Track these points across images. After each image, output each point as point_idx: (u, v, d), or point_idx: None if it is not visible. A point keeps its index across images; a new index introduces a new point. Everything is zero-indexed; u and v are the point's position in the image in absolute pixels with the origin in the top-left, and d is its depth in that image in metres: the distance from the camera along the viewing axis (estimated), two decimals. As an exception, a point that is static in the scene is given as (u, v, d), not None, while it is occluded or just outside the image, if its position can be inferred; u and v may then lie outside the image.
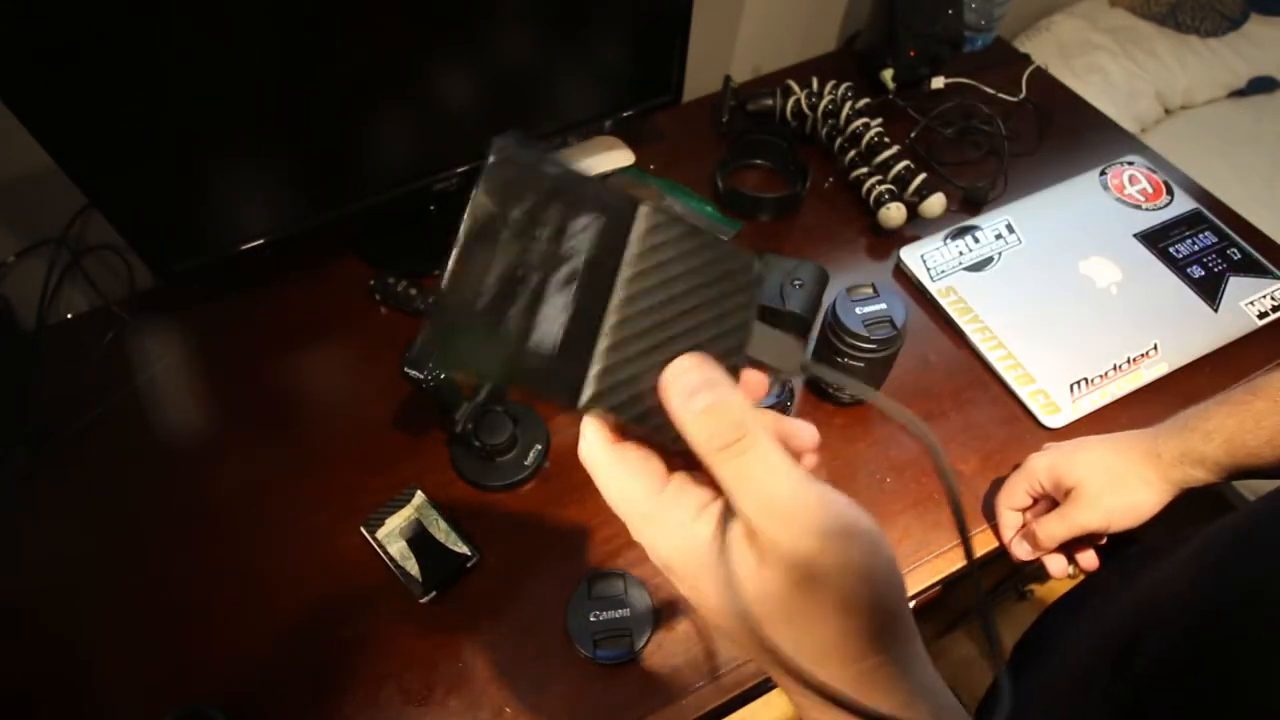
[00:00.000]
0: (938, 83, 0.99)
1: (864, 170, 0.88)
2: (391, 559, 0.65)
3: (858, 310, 0.65)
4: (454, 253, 0.24)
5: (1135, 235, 0.83)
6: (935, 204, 0.84)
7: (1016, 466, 0.65)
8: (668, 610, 0.63)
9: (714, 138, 0.98)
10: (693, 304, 0.27)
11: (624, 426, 0.27)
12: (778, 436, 0.29)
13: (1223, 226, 0.83)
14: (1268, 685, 0.35)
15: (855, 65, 1.05)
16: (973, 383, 0.76)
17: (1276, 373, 0.55)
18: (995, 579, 1.10)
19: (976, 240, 0.83)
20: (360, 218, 0.81)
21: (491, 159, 0.26)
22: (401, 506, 0.68)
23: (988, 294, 0.79)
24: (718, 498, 0.28)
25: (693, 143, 0.98)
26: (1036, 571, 0.72)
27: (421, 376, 0.62)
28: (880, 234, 0.87)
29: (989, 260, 0.82)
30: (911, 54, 0.97)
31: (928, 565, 0.65)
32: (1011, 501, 0.64)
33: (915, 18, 0.95)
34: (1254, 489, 1.04)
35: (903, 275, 0.84)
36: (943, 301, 0.79)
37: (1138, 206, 0.85)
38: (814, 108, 0.92)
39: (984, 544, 0.66)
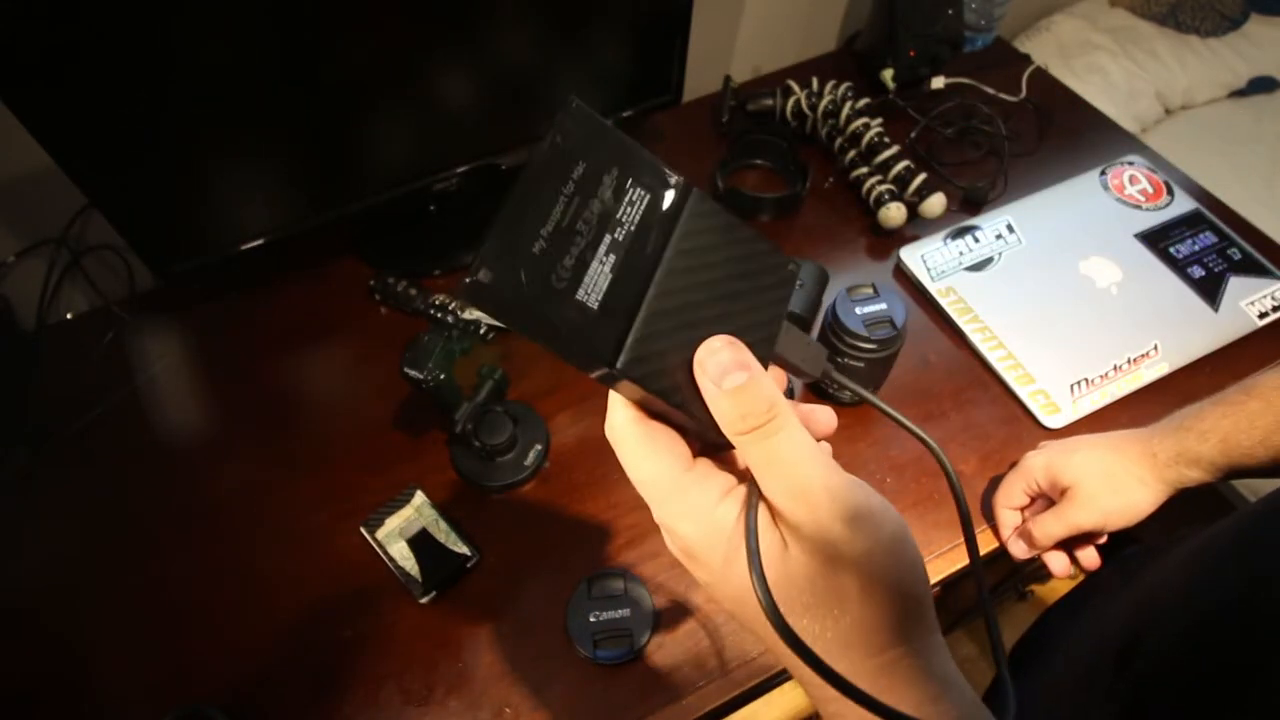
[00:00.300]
0: (938, 83, 0.99)
1: (864, 170, 0.88)
2: (391, 559, 0.65)
3: (858, 310, 0.65)
4: (513, 194, 0.24)
5: (1135, 235, 0.83)
6: (935, 204, 0.84)
7: (1014, 465, 0.65)
8: (668, 610, 0.63)
9: (714, 138, 0.98)
10: (730, 291, 0.27)
11: (649, 401, 0.27)
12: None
13: (1223, 226, 0.83)
14: (1268, 684, 0.35)
15: (855, 65, 1.05)
16: (973, 383, 0.76)
17: (1270, 372, 0.56)
18: (996, 579, 1.10)
19: (976, 240, 0.83)
20: (360, 218, 0.81)
21: (564, 112, 0.25)
22: (401, 506, 0.68)
23: (988, 294, 0.79)
24: (742, 483, 0.28)
25: (693, 143, 0.98)
26: (1037, 571, 0.72)
27: (421, 377, 0.62)
28: (880, 234, 0.87)
29: (989, 260, 0.82)
30: (911, 54, 0.97)
31: (928, 565, 0.65)
32: (1009, 500, 0.64)
33: (915, 18, 0.95)
34: (1254, 489, 1.04)
35: (903, 275, 0.84)
36: (943, 301, 0.79)
37: (1138, 206, 0.85)
38: (814, 108, 0.92)
39: (984, 544, 0.67)
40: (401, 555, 0.65)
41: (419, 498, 0.68)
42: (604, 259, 0.25)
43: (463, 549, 0.65)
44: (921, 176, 0.85)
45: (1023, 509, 0.65)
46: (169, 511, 0.71)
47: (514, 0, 0.72)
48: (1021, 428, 0.73)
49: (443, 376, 0.63)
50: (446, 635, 0.63)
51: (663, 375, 0.26)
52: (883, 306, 0.65)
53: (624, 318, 0.25)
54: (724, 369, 0.26)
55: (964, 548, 0.66)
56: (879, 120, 0.90)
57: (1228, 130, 1.29)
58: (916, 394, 0.75)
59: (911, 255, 0.83)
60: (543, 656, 0.62)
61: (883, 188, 0.85)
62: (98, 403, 0.77)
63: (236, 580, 0.67)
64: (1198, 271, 0.80)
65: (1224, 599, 0.42)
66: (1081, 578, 0.65)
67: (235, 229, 0.75)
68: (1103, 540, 0.63)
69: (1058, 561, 0.64)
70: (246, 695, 0.61)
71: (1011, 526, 0.65)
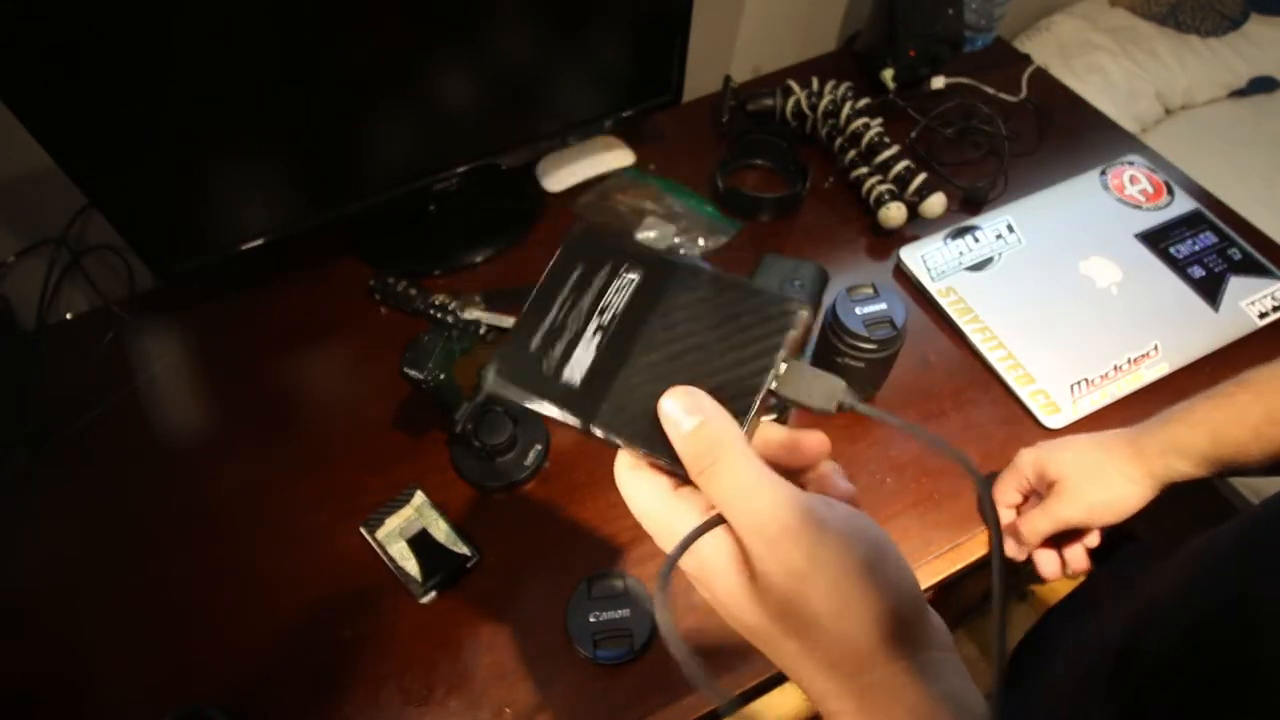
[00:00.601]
0: (938, 83, 0.99)
1: (864, 170, 0.88)
2: (391, 559, 0.65)
3: (858, 310, 0.65)
4: (525, 306, 0.32)
5: (1136, 235, 0.83)
6: (935, 204, 0.84)
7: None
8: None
9: (714, 138, 0.98)
10: (709, 344, 0.30)
11: (632, 452, 0.30)
12: (785, 447, 0.29)
13: (1223, 227, 0.83)
14: (1268, 684, 0.35)
15: (855, 65, 1.05)
16: (973, 383, 0.76)
17: (1264, 366, 0.55)
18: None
19: (977, 240, 0.83)
20: (360, 218, 0.81)
21: (567, 237, 0.33)
22: (401, 506, 0.68)
23: (988, 294, 0.79)
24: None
25: (693, 143, 0.98)
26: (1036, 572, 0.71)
27: (421, 377, 0.62)
28: (880, 234, 0.87)
29: (989, 260, 0.82)
30: (911, 54, 0.97)
31: (928, 566, 0.65)
32: (1002, 498, 0.64)
33: (915, 18, 0.95)
34: (1256, 490, 1.04)
35: (903, 275, 0.84)
36: (943, 301, 0.79)
37: (1138, 206, 0.85)
38: (814, 108, 0.92)
39: (981, 546, 0.66)
40: (401, 555, 0.65)
41: (419, 498, 0.68)
42: (589, 341, 0.31)
43: (463, 549, 0.65)
44: (921, 176, 0.85)
45: (1017, 507, 0.65)
46: (169, 511, 0.71)
47: (514, 0, 0.72)
48: (1021, 428, 0.73)
49: (443, 376, 0.63)
50: (446, 635, 0.63)
51: (637, 430, 0.29)
52: (883, 306, 0.65)
53: (602, 388, 0.30)
54: (677, 417, 0.28)
55: (963, 548, 0.66)
56: (879, 120, 0.90)
57: (1228, 130, 1.29)
58: (916, 394, 0.75)
59: (911, 255, 0.83)
60: (543, 656, 0.62)
61: (883, 188, 0.85)
62: (98, 403, 0.77)
63: (236, 580, 0.67)
64: (1198, 271, 0.80)
65: (1224, 599, 0.42)
66: (1081, 580, 0.65)
67: (235, 229, 0.75)
68: (1094, 543, 0.62)
69: (1047, 563, 0.63)
70: (246, 695, 0.61)
71: (1004, 524, 0.64)
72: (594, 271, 0.32)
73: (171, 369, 0.80)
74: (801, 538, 0.26)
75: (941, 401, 0.75)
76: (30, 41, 0.55)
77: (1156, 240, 0.82)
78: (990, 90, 1.00)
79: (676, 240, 0.86)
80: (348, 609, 0.65)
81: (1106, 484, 0.57)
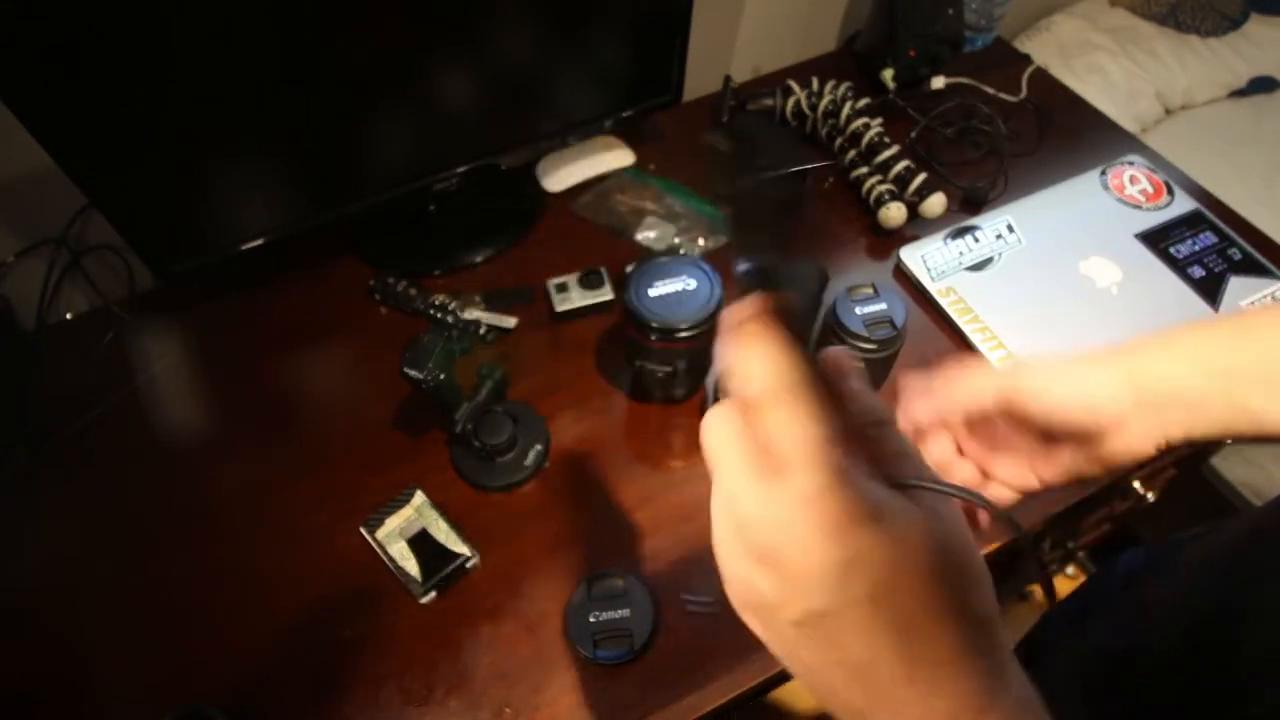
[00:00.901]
0: (938, 83, 0.99)
1: (864, 170, 0.88)
2: (391, 559, 0.65)
3: (858, 310, 0.65)
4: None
5: (1136, 235, 0.83)
6: (935, 204, 0.84)
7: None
8: (668, 610, 0.63)
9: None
10: None
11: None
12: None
13: (1223, 227, 0.83)
14: (1269, 686, 0.35)
15: (855, 65, 1.05)
16: (973, 383, 0.76)
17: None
18: (997, 579, 1.10)
19: (977, 240, 0.83)
20: (360, 218, 0.81)
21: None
22: (401, 506, 0.68)
23: (988, 294, 0.79)
24: None
25: (693, 143, 0.97)
26: (1036, 572, 0.71)
27: (421, 377, 0.62)
28: (880, 234, 0.87)
29: (989, 260, 0.82)
30: (911, 54, 0.97)
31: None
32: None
33: (915, 18, 0.95)
34: (1259, 492, 1.04)
35: (903, 275, 0.84)
36: (943, 301, 0.79)
37: (1138, 206, 0.85)
38: (814, 108, 0.92)
39: (997, 536, 0.66)
40: (401, 555, 0.65)
41: (419, 498, 0.68)
42: None
43: (462, 549, 0.65)
44: (921, 176, 0.85)
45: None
46: (169, 511, 0.71)
47: (514, 0, 0.72)
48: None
49: (443, 376, 0.63)
50: (446, 635, 0.63)
51: None
52: (883, 306, 0.65)
53: None
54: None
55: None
56: (879, 120, 0.90)
57: (1228, 130, 1.29)
58: (916, 394, 0.75)
59: (911, 255, 0.83)
60: (543, 656, 0.62)
61: (883, 188, 0.85)
62: (98, 403, 0.77)
63: (236, 580, 0.67)
64: (1198, 271, 0.80)
65: (1224, 600, 0.42)
66: (1083, 580, 0.65)
67: (235, 229, 0.75)
68: (1050, 475, 0.43)
69: (1008, 481, 0.43)
70: (246, 695, 0.61)
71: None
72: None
73: (171, 369, 0.80)
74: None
75: (941, 401, 0.74)
76: (30, 41, 0.55)
77: (1156, 240, 0.82)
78: (990, 90, 1.00)
79: (676, 240, 0.86)
80: (348, 609, 0.65)
81: (1067, 365, 0.41)
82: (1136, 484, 0.87)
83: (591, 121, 0.87)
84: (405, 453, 0.73)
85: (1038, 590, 1.28)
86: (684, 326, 0.63)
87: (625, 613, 0.61)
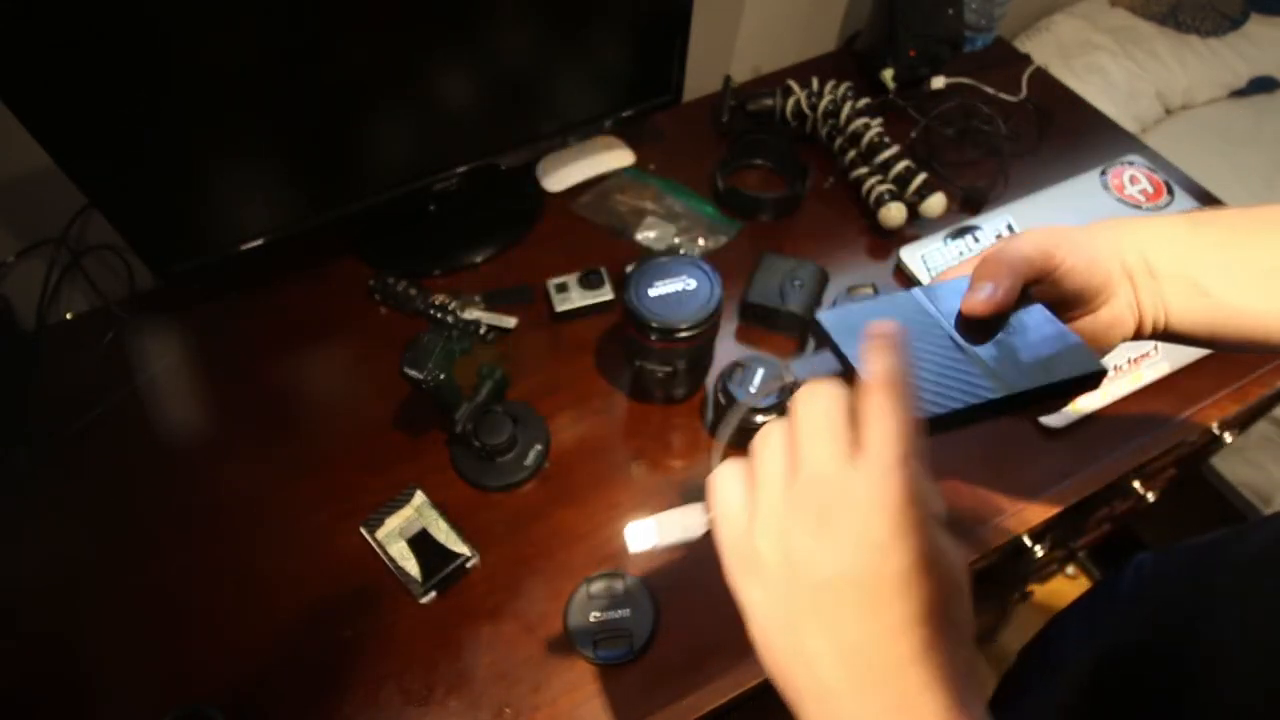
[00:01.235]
0: (938, 83, 0.99)
1: (864, 170, 0.88)
2: (391, 559, 0.65)
3: (858, 310, 0.65)
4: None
5: (1135, 235, 0.82)
6: (935, 204, 0.84)
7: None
8: (668, 610, 0.63)
9: (714, 138, 0.98)
10: None
11: None
12: None
13: (1223, 226, 0.83)
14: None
15: (855, 65, 1.05)
16: (973, 383, 0.76)
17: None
18: (996, 579, 1.10)
19: (977, 240, 0.83)
20: (360, 218, 0.81)
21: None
22: (401, 506, 0.68)
23: (988, 294, 0.79)
24: None
25: (693, 143, 0.98)
26: (1038, 571, 0.71)
27: (421, 377, 0.62)
28: (880, 234, 0.87)
29: (989, 260, 0.82)
30: (911, 54, 0.97)
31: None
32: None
33: (915, 18, 0.95)
34: (1258, 492, 1.04)
35: (903, 275, 0.84)
36: (943, 301, 0.79)
37: (1138, 206, 0.85)
38: (814, 108, 0.92)
39: (999, 536, 0.66)
40: (401, 555, 0.65)
41: (419, 498, 0.68)
42: None
43: (462, 549, 0.65)
44: (921, 176, 0.85)
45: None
46: (169, 511, 0.71)
47: (514, 0, 0.72)
48: (1021, 427, 0.73)
49: (443, 376, 0.63)
50: (446, 635, 0.63)
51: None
52: (883, 306, 0.65)
53: None
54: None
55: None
56: (879, 120, 0.90)
57: (1228, 130, 1.29)
58: (916, 394, 0.75)
59: (912, 255, 0.83)
60: (543, 656, 0.62)
61: (883, 188, 0.85)
62: (98, 403, 0.77)
63: (236, 580, 0.67)
64: (1198, 271, 0.79)
65: (1226, 601, 0.42)
66: (1084, 580, 0.65)
67: (235, 229, 0.75)
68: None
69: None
70: (246, 695, 0.61)
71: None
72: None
73: (171, 369, 0.80)
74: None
75: (941, 401, 0.74)
76: (30, 41, 0.55)
77: (1156, 240, 0.82)
78: (990, 90, 1.00)
79: (676, 240, 0.86)
80: (348, 609, 0.65)
81: (1076, 230, 0.42)
82: (1137, 484, 0.87)
83: (591, 121, 0.87)
84: (405, 453, 0.73)
85: (1038, 590, 1.28)
86: (684, 326, 0.63)
87: (625, 613, 0.61)
